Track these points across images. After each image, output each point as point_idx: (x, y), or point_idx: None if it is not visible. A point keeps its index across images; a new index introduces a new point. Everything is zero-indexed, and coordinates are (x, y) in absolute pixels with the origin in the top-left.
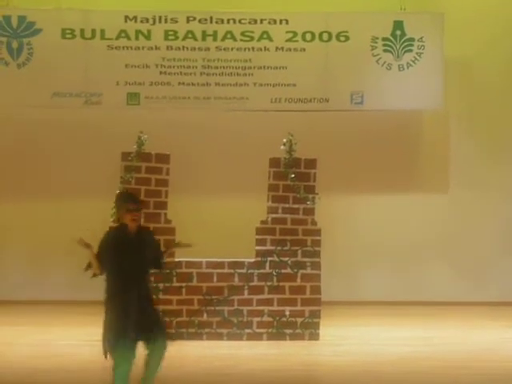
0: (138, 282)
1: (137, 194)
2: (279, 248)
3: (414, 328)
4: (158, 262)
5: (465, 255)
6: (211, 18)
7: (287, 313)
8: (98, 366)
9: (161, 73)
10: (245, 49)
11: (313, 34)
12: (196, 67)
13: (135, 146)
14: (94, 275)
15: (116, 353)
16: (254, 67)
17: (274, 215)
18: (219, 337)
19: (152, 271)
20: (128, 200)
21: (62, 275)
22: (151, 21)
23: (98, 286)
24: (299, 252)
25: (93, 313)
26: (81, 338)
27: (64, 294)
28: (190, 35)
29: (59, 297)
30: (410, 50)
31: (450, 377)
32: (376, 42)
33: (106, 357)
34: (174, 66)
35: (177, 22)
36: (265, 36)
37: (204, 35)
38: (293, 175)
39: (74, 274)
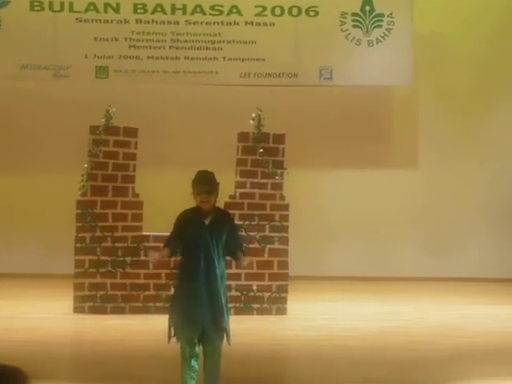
0: (207, 270)
1: (210, 176)
2: (247, 223)
3: (381, 303)
4: (233, 250)
5: (433, 231)
6: None
7: (254, 287)
8: (68, 339)
9: (130, 46)
10: (214, 23)
11: (282, 9)
12: (165, 41)
13: (103, 120)
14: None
15: (181, 339)
16: (224, 41)
17: (242, 190)
18: None
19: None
20: (196, 181)
21: (32, 248)
22: None
23: (64, 260)
24: (267, 227)
25: (62, 286)
26: (51, 310)
27: (34, 267)
28: (159, 9)
29: (29, 270)
30: (380, 26)
31: (416, 352)
32: (345, 18)
33: (168, 342)
34: (143, 40)
35: None
36: (234, 10)
37: (173, 9)
38: (261, 150)
39: (43, 248)
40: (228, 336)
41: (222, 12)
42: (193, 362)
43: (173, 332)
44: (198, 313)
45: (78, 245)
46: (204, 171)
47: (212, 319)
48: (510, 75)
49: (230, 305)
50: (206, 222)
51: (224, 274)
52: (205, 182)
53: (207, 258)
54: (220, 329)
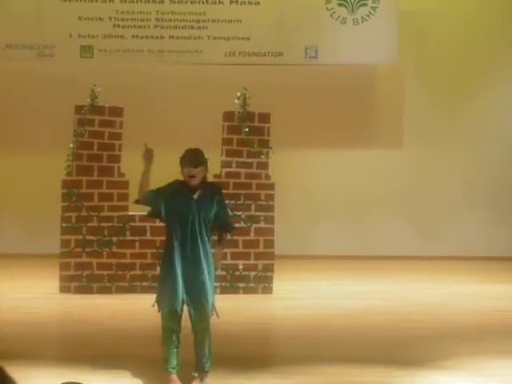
0: (192, 244)
1: (198, 152)
2: (233, 202)
3: (367, 282)
4: (222, 223)
5: (419, 210)
6: None
7: (240, 267)
8: (49, 319)
9: (114, 26)
10: (199, 2)
11: None
12: (150, 20)
13: (88, 99)
14: (137, 201)
15: (163, 309)
16: (208, 20)
17: (228, 169)
18: None
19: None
20: (183, 157)
21: (18, 228)
22: None
23: (50, 239)
24: (253, 206)
25: (48, 266)
26: (37, 290)
27: (19, 247)
28: None
29: (14, 250)
30: (365, 5)
31: (403, 330)
32: None
33: (153, 305)
34: (127, 19)
35: None
36: None
37: None
38: (247, 129)
39: (29, 227)
40: (214, 310)
41: None
42: (174, 337)
43: (156, 303)
44: (178, 286)
45: (64, 224)
46: (192, 148)
47: (194, 293)
48: (495, 53)
49: (216, 284)
50: (195, 196)
51: (208, 250)
52: (191, 157)
53: (193, 233)
54: (201, 304)
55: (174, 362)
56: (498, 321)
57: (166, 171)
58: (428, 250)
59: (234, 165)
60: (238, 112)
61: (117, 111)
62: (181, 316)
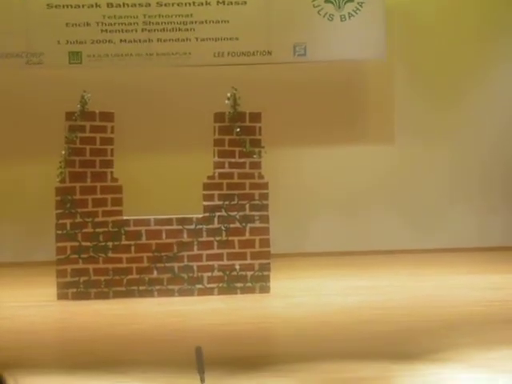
0: None
1: None
2: (227, 203)
3: (363, 277)
4: None
5: (412, 203)
6: None
7: (237, 267)
8: (48, 326)
9: (102, 31)
10: (185, 4)
11: None
12: (137, 24)
13: (79, 105)
14: None
15: None
16: (196, 22)
17: (221, 170)
18: (170, 293)
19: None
20: None
21: (12, 237)
22: None
23: (46, 248)
24: (247, 206)
25: (44, 274)
26: (34, 298)
27: (14, 255)
28: None
29: (9, 259)
30: (352, 1)
31: (401, 324)
32: None
33: None
34: (115, 24)
35: None
36: None
37: None
38: (238, 129)
39: (23, 235)
40: None
41: None
42: None
43: None
44: None
45: (59, 231)
46: None
47: None
48: (486, 45)
49: (213, 285)
50: None
51: None
52: None
53: None
54: None
55: None
56: (496, 311)
57: (159, 174)
58: (422, 243)
59: (226, 165)
60: (229, 112)
61: (108, 116)
62: None
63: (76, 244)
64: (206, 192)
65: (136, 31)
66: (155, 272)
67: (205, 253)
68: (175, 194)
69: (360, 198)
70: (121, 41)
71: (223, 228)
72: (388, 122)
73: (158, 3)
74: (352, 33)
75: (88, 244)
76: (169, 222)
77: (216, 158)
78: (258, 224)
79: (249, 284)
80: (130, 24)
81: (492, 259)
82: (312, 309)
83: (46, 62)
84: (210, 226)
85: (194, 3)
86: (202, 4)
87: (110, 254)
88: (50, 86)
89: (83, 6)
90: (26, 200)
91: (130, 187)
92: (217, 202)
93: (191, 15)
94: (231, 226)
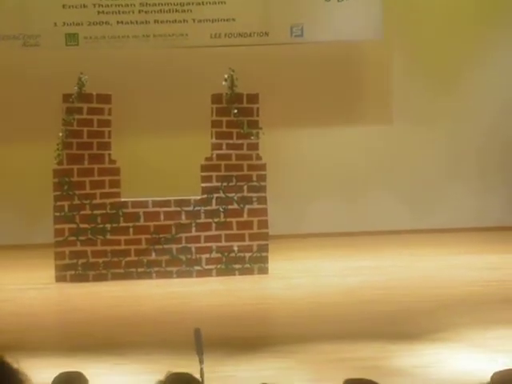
0: None
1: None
2: (225, 184)
3: (362, 258)
4: None
5: (410, 184)
6: None
7: (235, 248)
8: (47, 309)
9: (99, 12)
10: None
11: None
12: (134, 5)
13: (76, 88)
14: None
15: None
16: (193, 3)
17: (219, 151)
18: (169, 275)
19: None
20: None
21: (10, 219)
22: None
23: (45, 230)
24: (245, 187)
25: (43, 256)
26: (29, 281)
27: (12, 238)
28: None
29: (7, 241)
30: None
31: (400, 304)
32: None
33: None
34: (111, 5)
35: None
36: None
37: None
38: (235, 110)
39: (21, 218)
40: None
41: None
42: None
43: None
44: None
45: (57, 214)
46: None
47: None
48: (485, 25)
49: (211, 266)
50: None
51: None
52: None
53: None
54: None
55: None
56: (493, 291)
57: (154, 155)
58: (420, 224)
59: (224, 147)
60: (226, 94)
61: (105, 98)
62: None
63: (74, 226)
64: (203, 173)
65: (133, 13)
66: (153, 254)
67: (203, 234)
68: (173, 176)
69: (358, 178)
70: (118, 22)
71: (221, 209)
72: (386, 103)
73: None
74: (349, 13)
75: (86, 226)
76: (167, 203)
77: (214, 140)
78: (255, 205)
79: (247, 265)
80: (127, 5)
81: (489, 239)
82: (310, 290)
83: (43, 44)
84: (208, 208)
85: None
86: None
87: (108, 236)
88: (47, 68)
89: None
90: (23, 182)
91: (127, 169)
92: (215, 184)
93: None
94: (229, 207)
